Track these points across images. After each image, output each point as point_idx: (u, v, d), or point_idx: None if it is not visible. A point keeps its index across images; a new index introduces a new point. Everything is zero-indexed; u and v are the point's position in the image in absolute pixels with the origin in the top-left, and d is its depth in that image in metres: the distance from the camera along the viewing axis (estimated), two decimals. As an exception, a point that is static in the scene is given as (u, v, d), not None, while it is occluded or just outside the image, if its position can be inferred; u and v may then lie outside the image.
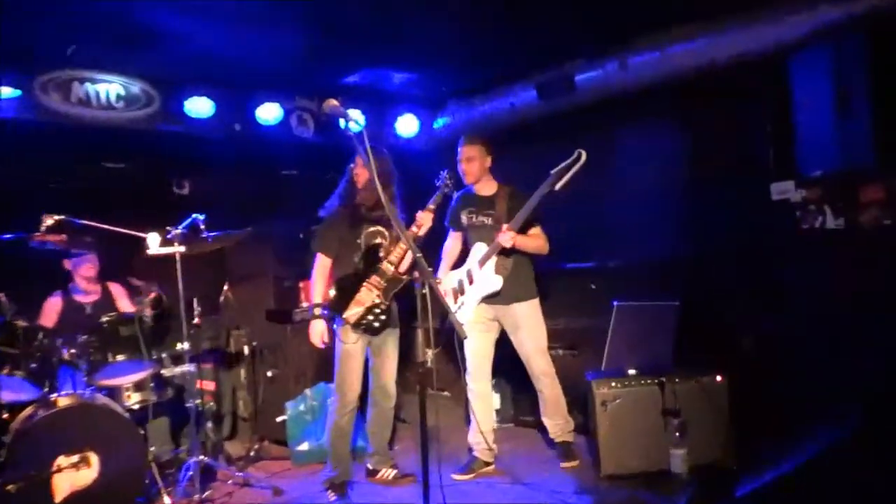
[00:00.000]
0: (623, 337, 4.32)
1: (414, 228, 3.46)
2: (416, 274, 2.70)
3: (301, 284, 4.89)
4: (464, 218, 3.98)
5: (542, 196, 3.59)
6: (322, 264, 3.58)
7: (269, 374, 4.76)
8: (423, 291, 2.66)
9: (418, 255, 2.62)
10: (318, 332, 3.56)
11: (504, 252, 3.79)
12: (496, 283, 3.81)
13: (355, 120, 2.67)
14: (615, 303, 4.40)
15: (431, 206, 3.51)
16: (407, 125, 5.67)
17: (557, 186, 3.54)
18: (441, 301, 2.60)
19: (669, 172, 4.58)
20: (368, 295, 3.55)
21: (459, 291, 3.96)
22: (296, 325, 4.59)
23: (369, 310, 3.52)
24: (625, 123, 4.74)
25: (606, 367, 4.24)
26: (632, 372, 3.78)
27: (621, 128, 4.75)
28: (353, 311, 3.49)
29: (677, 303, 4.17)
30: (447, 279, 3.99)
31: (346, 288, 3.52)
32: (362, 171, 3.54)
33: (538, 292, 3.91)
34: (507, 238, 3.67)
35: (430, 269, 2.65)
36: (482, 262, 3.85)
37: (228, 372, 4.86)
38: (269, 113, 5.07)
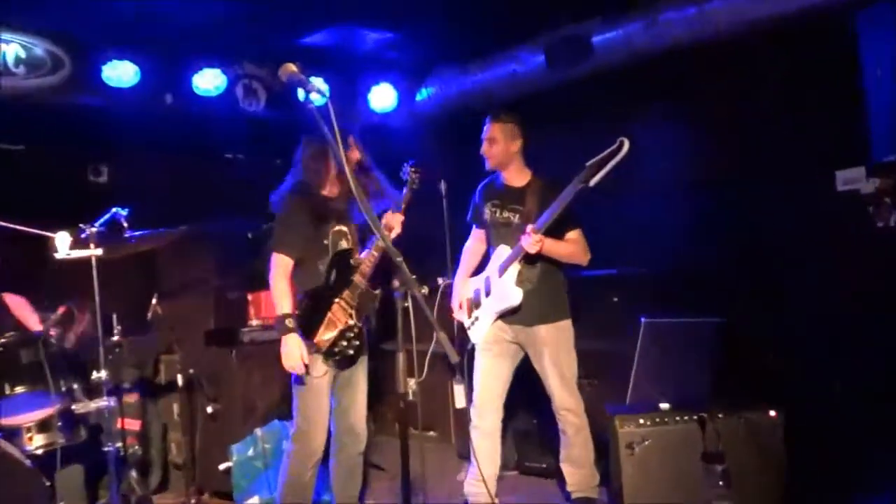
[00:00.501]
0: (653, 361, 4.32)
1: (385, 233, 3.56)
2: (395, 282, 2.73)
3: (250, 297, 4.91)
4: (486, 213, 4.04)
5: (576, 193, 3.61)
6: (283, 266, 3.52)
7: (210, 409, 4.74)
8: (405, 304, 2.73)
9: (398, 258, 2.64)
10: (295, 350, 3.40)
11: (529, 259, 3.83)
12: (515, 296, 3.85)
13: (319, 90, 2.68)
14: (643, 319, 4.39)
15: (403, 207, 3.57)
16: (383, 97, 5.75)
17: (593, 182, 3.55)
18: (427, 316, 2.61)
19: (708, 160, 4.68)
20: (342, 314, 3.56)
21: (475, 304, 4.04)
22: (244, 348, 4.63)
23: (342, 333, 3.53)
24: (651, 99, 4.80)
25: (632, 400, 4.25)
26: (664, 406, 3.83)
27: (647, 105, 4.80)
28: (326, 336, 3.49)
29: (720, 319, 4.21)
30: (464, 286, 4.09)
31: (316, 304, 3.52)
32: (352, 154, 3.57)
33: (570, 312, 3.96)
34: (531, 242, 3.69)
35: (413, 277, 2.64)
36: (502, 270, 3.91)
37: (158, 407, 4.86)
38: (208, 81, 5.12)
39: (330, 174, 3.58)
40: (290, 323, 3.41)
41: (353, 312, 3.59)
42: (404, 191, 3.63)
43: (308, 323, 3.49)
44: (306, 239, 3.55)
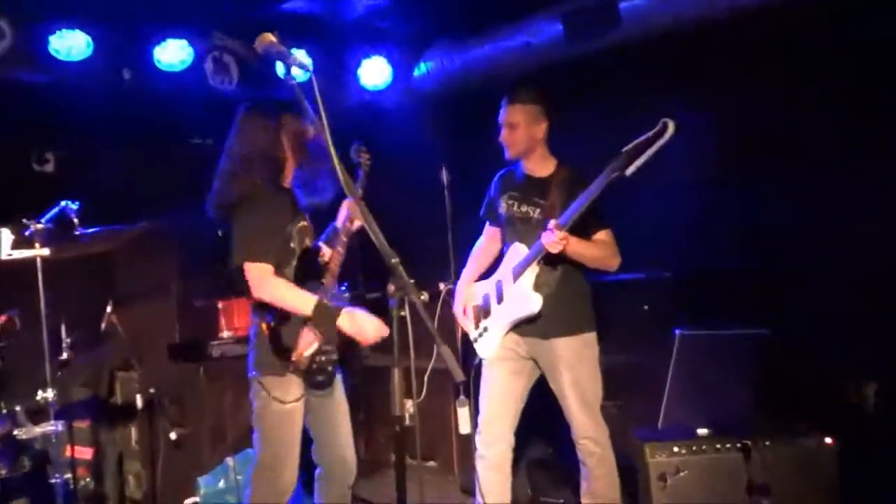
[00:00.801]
0: (688, 380, 4.34)
1: (346, 224, 3.55)
2: (390, 287, 2.72)
3: (221, 305, 4.88)
4: (503, 206, 4.04)
5: (609, 183, 3.58)
6: (267, 272, 3.38)
7: (174, 435, 4.72)
8: (402, 313, 2.69)
9: (394, 259, 2.62)
10: (365, 319, 3.37)
11: (549, 260, 3.82)
12: (533, 303, 3.84)
13: (301, 64, 2.68)
14: (677, 331, 4.41)
15: (360, 192, 3.53)
16: (375, 72, 5.70)
17: (630, 171, 3.52)
18: (427, 327, 2.59)
19: (752, 147, 4.63)
20: None
21: (483, 312, 4.04)
22: (213, 365, 4.63)
23: (320, 347, 3.50)
24: (688, 77, 4.77)
25: (665, 424, 4.26)
26: (702, 431, 3.81)
27: (683, 83, 4.77)
28: (308, 351, 3.45)
29: (765, 331, 4.20)
30: (471, 291, 4.09)
31: (289, 316, 3.45)
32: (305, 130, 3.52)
33: (595, 323, 3.95)
34: (553, 239, 3.65)
35: (411, 281, 2.64)
36: (517, 273, 3.89)
37: (113, 433, 4.85)
38: (172, 55, 5.06)
39: (288, 156, 3.53)
40: (329, 304, 3.34)
41: None
42: (359, 174, 3.62)
43: (283, 340, 3.44)
44: (283, 240, 3.49)
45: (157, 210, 4.79)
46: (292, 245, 3.49)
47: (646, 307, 4.79)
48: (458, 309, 4.17)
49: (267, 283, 3.35)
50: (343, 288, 3.61)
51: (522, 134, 3.92)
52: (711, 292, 4.60)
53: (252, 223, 3.40)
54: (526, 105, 3.92)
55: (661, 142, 3.46)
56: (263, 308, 3.45)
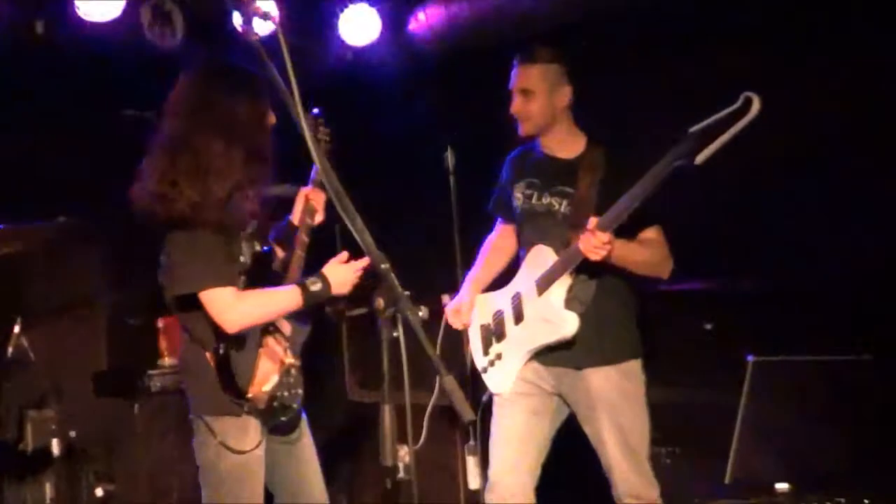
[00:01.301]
0: (765, 420, 4.34)
1: (305, 219, 3.62)
2: (379, 302, 2.71)
3: (161, 323, 4.88)
4: (517, 197, 4.03)
5: (671, 173, 3.54)
6: (230, 295, 3.38)
7: (100, 492, 4.73)
8: (394, 335, 2.70)
9: (384, 265, 2.63)
10: (341, 269, 3.43)
11: (585, 269, 3.80)
12: (567, 324, 3.80)
13: (264, 14, 2.68)
14: (750, 357, 4.42)
15: (317, 178, 3.61)
16: (359, 24, 5.70)
17: (702, 158, 3.45)
18: (427, 352, 2.56)
19: (848, 122, 4.64)
20: (278, 349, 3.54)
21: (495, 334, 4.04)
22: (152, 401, 4.65)
23: (281, 379, 3.51)
24: (771, 33, 4.78)
25: (735, 476, 4.24)
26: (782, 486, 3.82)
27: (761, 42, 4.76)
28: (266, 386, 3.46)
29: (865, 357, 4.23)
30: (479, 302, 4.12)
31: (239, 345, 3.44)
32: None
33: (642, 348, 3.95)
34: (594, 244, 3.62)
35: (406, 293, 2.63)
36: (543, 284, 3.86)
37: (21, 489, 4.79)
38: (98, 2, 5.02)
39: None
40: (313, 283, 3.39)
41: (289, 344, 3.55)
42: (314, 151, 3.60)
43: (235, 371, 3.40)
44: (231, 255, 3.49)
45: (79, 202, 4.79)
46: (243, 259, 3.51)
47: (708, 326, 4.79)
48: (450, 310, 4.17)
49: (222, 307, 3.33)
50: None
51: (541, 103, 3.91)
52: (794, 308, 4.61)
53: (189, 250, 3.39)
54: (547, 65, 3.91)
55: (742, 123, 3.37)
56: (201, 317, 3.41)
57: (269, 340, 3.52)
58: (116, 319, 5.01)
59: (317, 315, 3.71)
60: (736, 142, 3.39)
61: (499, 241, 4.25)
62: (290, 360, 3.54)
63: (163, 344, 4.88)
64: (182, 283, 3.37)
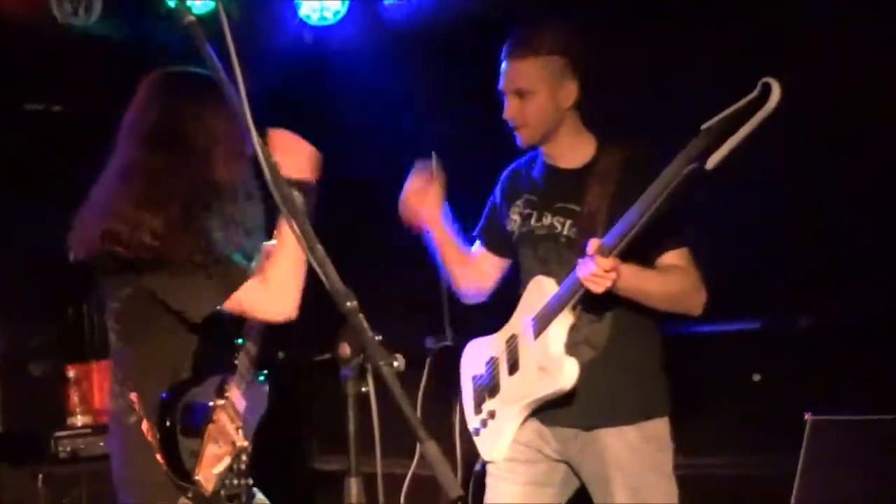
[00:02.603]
0: (826, 490, 4.23)
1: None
2: (344, 347, 2.49)
3: (72, 372, 4.78)
4: (512, 219, 3.91)
5: (684, 179, 3.36)
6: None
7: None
8: (362, 389, 2.49)
9: (349, 303, 2.39)
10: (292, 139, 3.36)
11: (592, 304, 3.64)
12: (563, 373, 3.63)
13: None
14: (808, 415, 4.29)
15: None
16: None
17: (713, 162, 3.27)
18: (405, 412, 2.27)
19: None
20: (229, 426, 3.47)
21: (488, 388, 3.93)
22: (59, 471, 4.57)
23: (232, 464, 3.46)
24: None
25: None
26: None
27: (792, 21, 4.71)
28: (217, 468, 3.40)
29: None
30: (468, 353, 4.08)
31: (186, 419, 3.41)
32: None
33: (670, 404, 3.82)
34: (593, 272, 3.47)
35: (378, 338, 2.40)
36: (540, 324, 3.71)
37: None
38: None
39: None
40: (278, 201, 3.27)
41: (241, 424, 3.48)
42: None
43: (176, 455, 3.36)
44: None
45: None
46: None
47: (756, 377, 4.75)
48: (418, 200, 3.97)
49: (270, 297, 3.39)
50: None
51: (541, 105, 3.73)
52: (859, 355, 4.55)
53: (179, 273, 3.34)
54: (546, 57, 3.71)
55: (761, 114, 3.21)
56: (149, 377, 3.41)
57: (221, 416, 3.50)
58: (14, 367, 4.84)
59: (273, 366, 3.70)
60: (757, 138, 3.24)
61: (485, 266, 4.05)
62: (242, 442, 3.48)
63: (74, 398, 4.84)
64: (196, 303, 3.35)
